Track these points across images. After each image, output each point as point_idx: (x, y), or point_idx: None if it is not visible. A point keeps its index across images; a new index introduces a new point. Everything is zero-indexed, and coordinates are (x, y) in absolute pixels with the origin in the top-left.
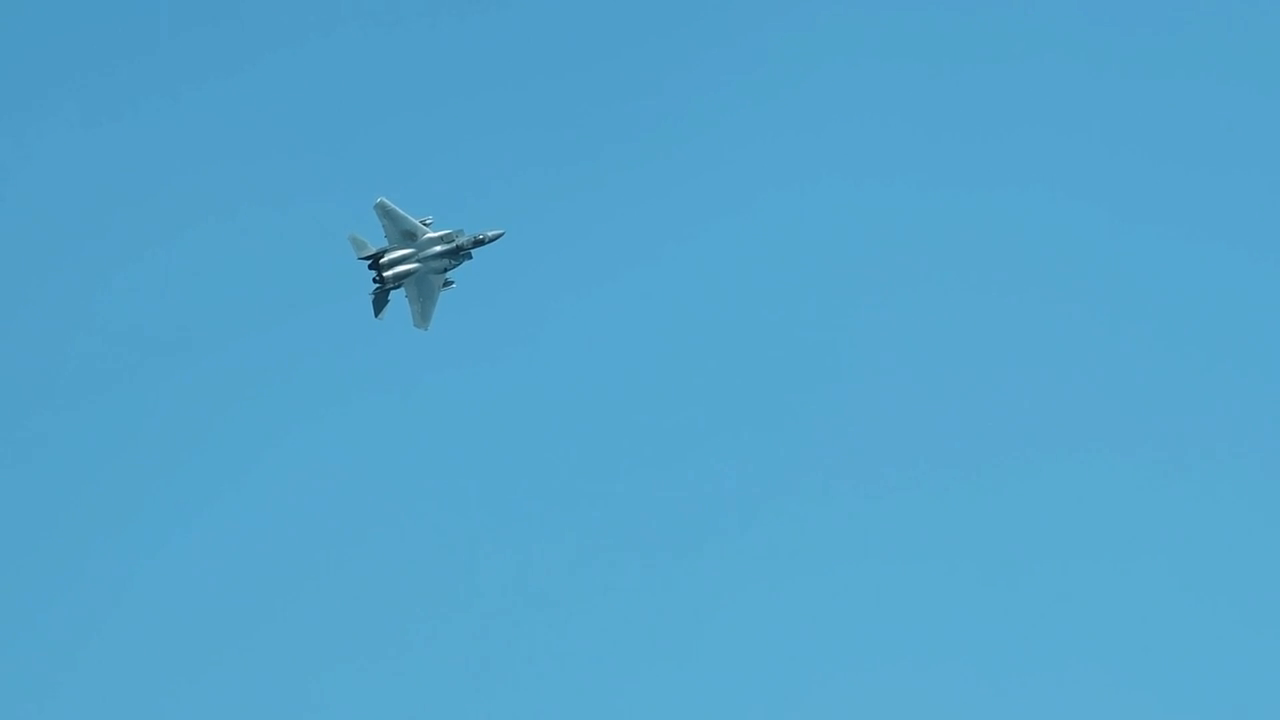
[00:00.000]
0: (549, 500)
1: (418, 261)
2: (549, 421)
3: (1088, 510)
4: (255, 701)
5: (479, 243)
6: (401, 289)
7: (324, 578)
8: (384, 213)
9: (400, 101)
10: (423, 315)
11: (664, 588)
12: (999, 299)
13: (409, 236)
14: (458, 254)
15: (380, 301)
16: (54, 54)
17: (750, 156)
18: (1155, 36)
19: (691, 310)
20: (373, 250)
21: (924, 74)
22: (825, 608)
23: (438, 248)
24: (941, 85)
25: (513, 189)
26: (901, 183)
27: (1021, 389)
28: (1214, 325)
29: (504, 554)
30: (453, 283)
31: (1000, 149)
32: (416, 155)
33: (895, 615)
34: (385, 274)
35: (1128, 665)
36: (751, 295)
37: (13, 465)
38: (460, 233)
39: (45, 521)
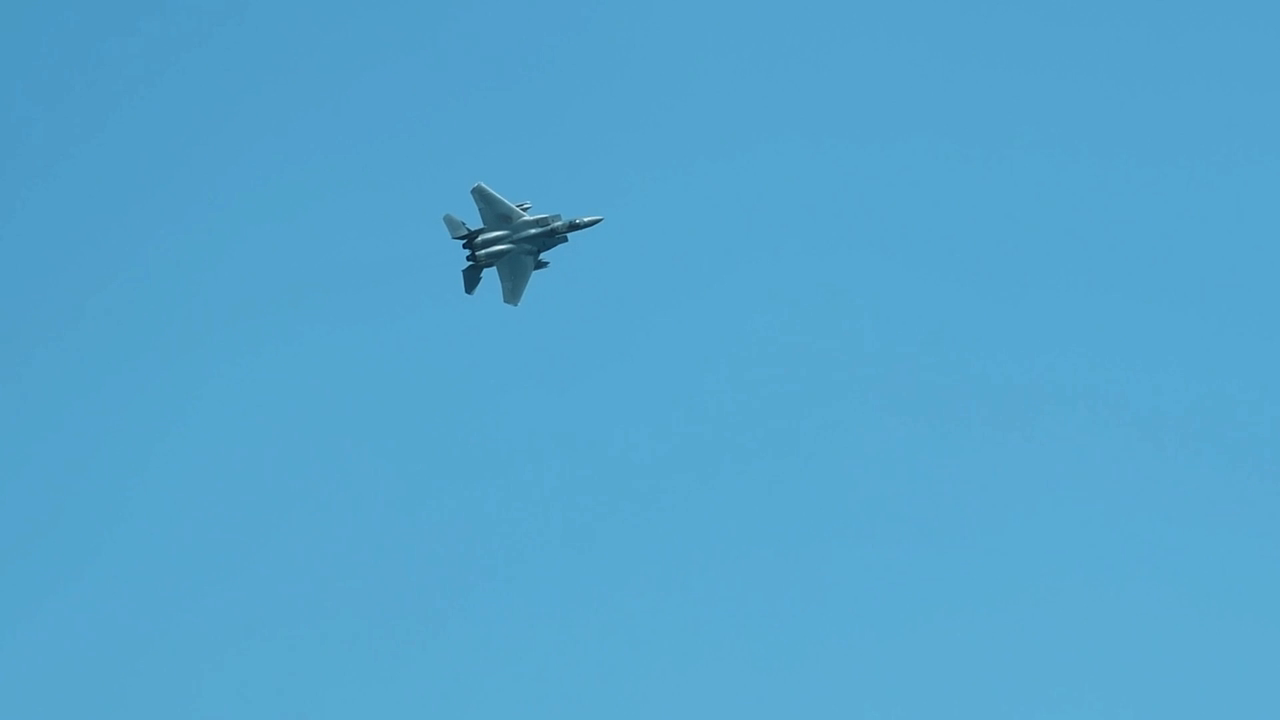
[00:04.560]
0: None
1: (511, 243)
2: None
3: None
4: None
5: (575, 227)
6: (494, 267)
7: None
8: (481, 196)
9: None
10: (513, 292)
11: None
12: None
13: (505, 220)
14: (552, 237)
15: (472, 278)
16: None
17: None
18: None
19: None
20: (467, 230)
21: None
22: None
23: (532, 230)
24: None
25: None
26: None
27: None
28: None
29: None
30: (546, 263)
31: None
32: (532, 141)
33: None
34: (478, 253)
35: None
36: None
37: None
38: (556, 217)
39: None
